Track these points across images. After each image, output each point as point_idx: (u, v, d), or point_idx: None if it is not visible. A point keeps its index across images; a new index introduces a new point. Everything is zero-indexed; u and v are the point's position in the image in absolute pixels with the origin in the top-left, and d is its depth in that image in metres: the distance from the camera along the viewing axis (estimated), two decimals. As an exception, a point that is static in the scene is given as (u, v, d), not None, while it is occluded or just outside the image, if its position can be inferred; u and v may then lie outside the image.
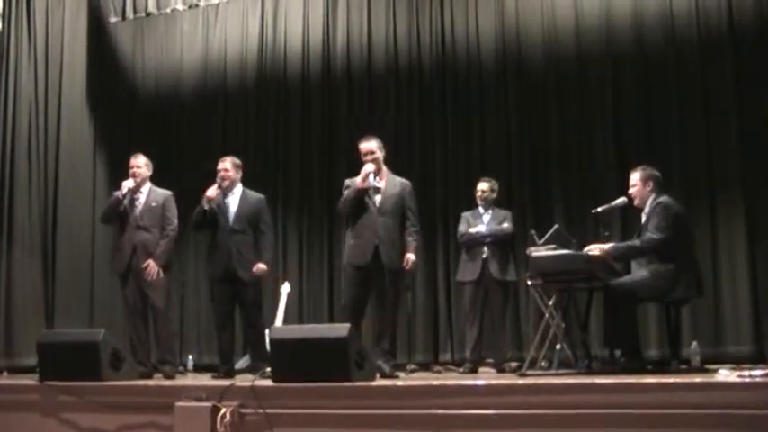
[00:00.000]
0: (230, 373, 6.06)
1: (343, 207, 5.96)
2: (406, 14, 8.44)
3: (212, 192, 6.20)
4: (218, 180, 6.33)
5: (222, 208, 6.27)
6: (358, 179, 5.82)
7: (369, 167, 5.83)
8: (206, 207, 6.19)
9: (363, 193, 5.82)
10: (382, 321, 5.81)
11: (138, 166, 6.54)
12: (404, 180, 6.04)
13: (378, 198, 5.86)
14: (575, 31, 7.74)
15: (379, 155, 5.93)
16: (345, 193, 5.94)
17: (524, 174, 7.78)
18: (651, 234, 5.42)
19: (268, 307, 7.17)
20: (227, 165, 6.39)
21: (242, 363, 6.63)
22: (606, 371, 5.24)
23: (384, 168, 5.99)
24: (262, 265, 6.24)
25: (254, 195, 6.46)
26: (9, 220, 8.26)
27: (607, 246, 5.50)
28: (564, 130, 7.69)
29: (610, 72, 7.57)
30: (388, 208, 5.84)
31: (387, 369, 5.59)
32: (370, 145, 5.93)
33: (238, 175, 6.44)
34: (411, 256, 5.82)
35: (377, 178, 5.89)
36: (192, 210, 8.24)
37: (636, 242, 5.53)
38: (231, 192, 6.36)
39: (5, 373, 7.77)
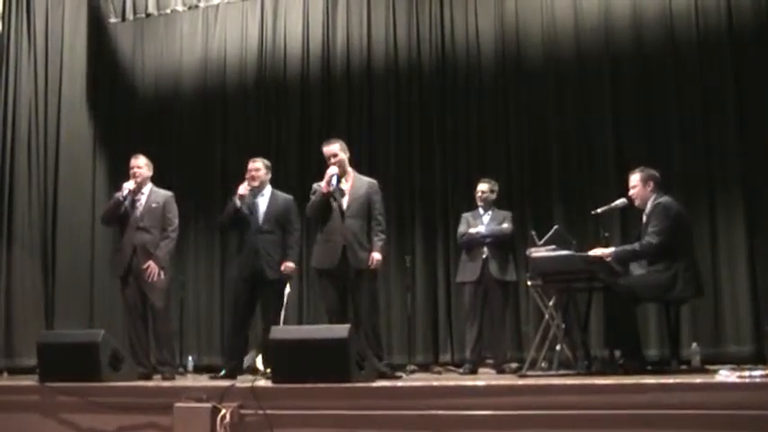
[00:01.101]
0: (235, 372, 6.05)
1: (311, 212, 6.00)
2: (405, 15, 8.44)
3: (244, 189, 6.25)
4: (248, 180, 6.37)
5: (252, 208, 6.31)
6: (323, 183, 5.85)
7: (332, 170, 5.86)
8: (238, 204, 6.22)
9: (328, 197, 5.84)
10: (363, 323, 5.80)
11: (139, 167, 6.54)
12: (371, 180, 6.05)
13: (344, 200, 5.88)
14: (574, 31, 7.74)
15: (343, 157, 5.96)
16: (312, 197, 5.96)
17: (524, 174, 7.78)
18: (649, 239, 5.44)
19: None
20: (258, 165, 6.45)
21: (247, 359, 6.64)
22: (606, 371, 5.24)
23: (350, 170, 6.02)
24: (290, 264, 6.32)
25: (283, 196, 6.52)
26: (9, 221, 8.24)
27: (608, 250, 5.50)
28: (563, 130, 7.69)
29: (609, 72, 7.57)
30: (355, 209, 5.86)
31: (383, 369, 5.61)
32: (333, 148, 5.97)
33: (268, 176, 6.50)
34: (376, 255, 5.80)
35: (342, 179, 5.91)
36: (192, 209, 8.31)
37: (635, 246, 5.54)
38: (261, 192, 6.40)
39: (5, 374, 7.76)
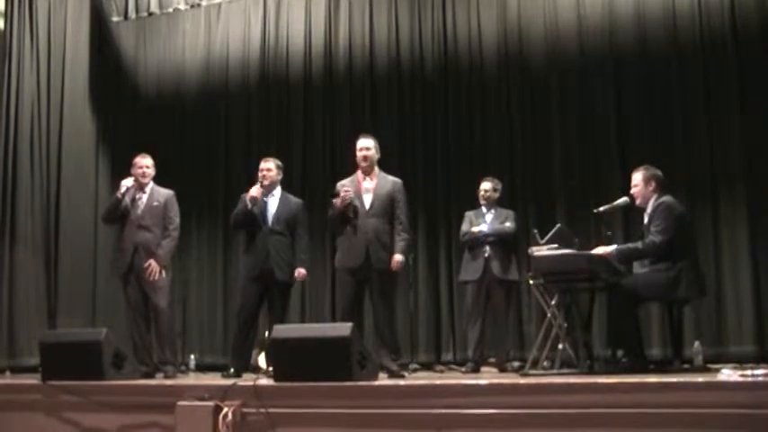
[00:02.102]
0: (240, 372, 6.05)
1: (331, 225, 6.06)
2: (408, 13, 8.44)
3: (256, 191, 6.23)
4: (260, 179, 6.36)
5: (262, 208, 6.31)
6: (338, 202, 5.86)
7: (349, 197, 5.83)
8: (250, 206, 6.22)
9: (347, 210, 5.85)
10: (380, 321, 5.82)
11: (148, 166, 6.55)
12: (395, 179, 6.05)
13: (368, 199, 5.89)
14: (577, 29, 7.74)
15: (374, 153, 5.99)
16: (331, 209, 5.98)
17: (527, 173, 7.77)
18: (652, 237, 5.43)
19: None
20: (270, 165, 6.43)
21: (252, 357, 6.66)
22: (608, 371, 5.24)
23: (376, 168, 6.02)
24: (303, 271, 6.33)
25: (294, 199, 6.51)
26: (12, 220, 8.26)
27: (610, 248, 5.50)
28: (566, 129, 7.68)
29: (612, 71, 7.56)
30: (378, 209, 5.87)
31: (394, 368, 5.62)
32: (368, 142, 6.01)
33: (279, 177, 6.48)
34: (397, 257, 5.81)
35: (367, 179, 5.95)
36: (194, 208, 8.33)
37: (638, 245, 5.53)
38: (271, 193, 6.40)
39: (8, 373, 7.77)
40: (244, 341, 6.28)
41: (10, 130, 8.39)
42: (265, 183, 6.34)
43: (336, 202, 5.87)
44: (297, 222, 6.40)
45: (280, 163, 6.52)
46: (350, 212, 5.86)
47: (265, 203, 6.33)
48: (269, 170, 6.40)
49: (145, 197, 6.50)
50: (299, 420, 4.55)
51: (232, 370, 6.07)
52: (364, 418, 4.43)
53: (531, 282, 6.27)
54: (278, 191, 6.45)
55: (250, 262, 6.32)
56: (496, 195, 7.02)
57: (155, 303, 6.35)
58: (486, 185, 7.00)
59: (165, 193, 6.59)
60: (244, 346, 6.29)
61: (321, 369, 4.64)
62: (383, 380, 5.14)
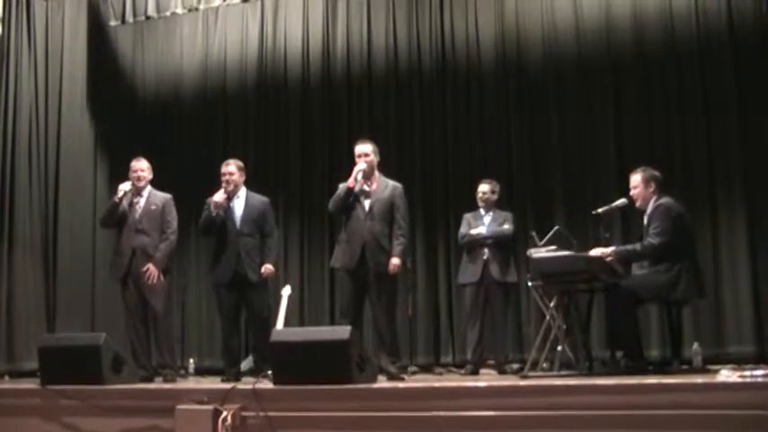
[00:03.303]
0: (238, 377, 6.06)
1: (332, 204, 6.02)
2: (405, 16, 8.44)
3: (219, 197, 6.24)
4: (223, 184, 6.34)
5: (228, 212, 6.31)
6: (350, 179, 5.87)
7: (360, 166, 5.88)
8: (213, 214, 6.22)
9: (351, 192, 5.85)
10: (379, 324, 5.83)
11: (142, 170, 6.55)
12: (396, 183, 6.06)
13: (367, 202, 5.90)
14: (574, 31, 7.75)
15: (373, 158, 5.98)
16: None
17: (525, 175, 7.77)
18: (651, 239, 5.44)
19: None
20: (231, 168, 6.43)
21: (245, 364, 6.64)
22: (607, 372, 5.24)
23: (377, 173, 6.03)
24: (270, 267, 6.34)
25: (259, 198, 6.52)
26: (10, 224, 8.25)
27: (609, 249, 5.50)
28: (564, 130, 7.69)
29: (610, 72, 7.57)
30: (377, 212, 5.88)
31: (393, 371, 5.62)
32: (365, 147, 6.00)
33: (242, 178, 6.49)
34: (394, 260, 5.83)
35: (368, 182, 5.92)
36: (193, 212, 8.30)
37: (636, 246, 5.54)
38: (236, 195, 6.40)
39: (7, 378, 7.76)
40: (231, 347, 6.32)
41: (8, 135, 8.38)
42: (230, 187, 6.35)
43: (349, 182, 5.88)
44: (265, 221, 6.43)
45: (241, 164, 6.54)
46: (361, 195, 5.87)
47: (231, 207, 6.35)
48: (231, 174, 6.41)
49: (142, 201, 6.50)
50: (299, 423, 4.54)
51: (227, 377, 6.08)
52: (363, 420, 4.42)
53: (529, 283, 6.28)
54: (242, 192, 6.47)
55: (221, 266, 6.34)
56: (495, 197, 7.02)
57: (153, 307, 6.35)
58: (484, 187, 7.00)
59: (162, 196, 6.59)
60: (232, 352, 6.31)
61: (320, 372, 4.64)
62: (382, 382, 5.13)
